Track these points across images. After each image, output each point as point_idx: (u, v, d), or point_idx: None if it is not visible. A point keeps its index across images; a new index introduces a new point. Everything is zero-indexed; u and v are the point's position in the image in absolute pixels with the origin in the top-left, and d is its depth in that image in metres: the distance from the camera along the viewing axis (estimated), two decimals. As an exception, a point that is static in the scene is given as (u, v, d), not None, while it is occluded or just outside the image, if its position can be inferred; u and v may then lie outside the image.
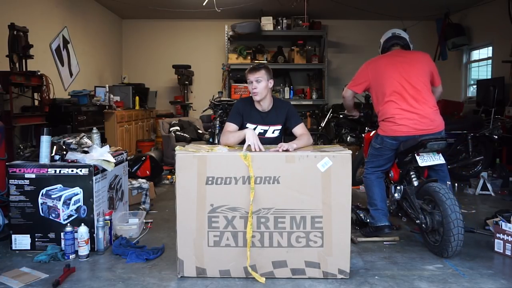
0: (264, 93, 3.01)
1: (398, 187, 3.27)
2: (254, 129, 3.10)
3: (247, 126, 3.11)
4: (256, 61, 8.27)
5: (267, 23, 8.09)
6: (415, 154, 3.03)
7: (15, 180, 2.91)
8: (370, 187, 3.27)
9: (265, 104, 3.08)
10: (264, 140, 3.05)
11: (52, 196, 2.90)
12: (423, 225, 2.95)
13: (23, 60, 4.63)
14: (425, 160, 3.02)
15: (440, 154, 3.06)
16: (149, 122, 7.94)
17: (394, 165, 3.34)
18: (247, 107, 3.11)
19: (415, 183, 3.18)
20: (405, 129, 3.02)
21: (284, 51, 8.52)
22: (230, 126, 3.04)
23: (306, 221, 2.45)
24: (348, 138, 7.21)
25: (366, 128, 4.05)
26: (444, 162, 3.08)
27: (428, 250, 3.00)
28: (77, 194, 2.91)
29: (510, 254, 2.87)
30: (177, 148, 2.55)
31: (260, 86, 2.97)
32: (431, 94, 3.12)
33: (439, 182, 2.99)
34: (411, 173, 3.21)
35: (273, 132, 3.11)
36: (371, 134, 3.74)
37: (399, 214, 3.42)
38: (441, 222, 2.81)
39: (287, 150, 2.55)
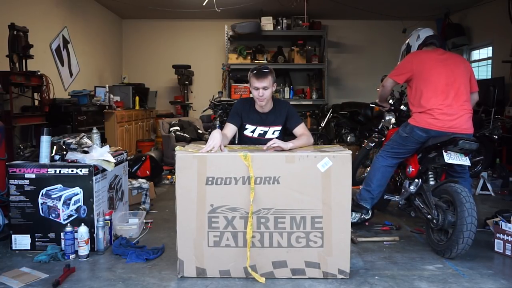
0: (269, 98, 3.02)
1: (416, 180, 3.26)
2: (254, 130, 3.10)
3: (246, 127, 3.11)
4: (256, 61, 8.27)
5: (267, 23, 8.09)
6: (443, 151, 3.00)
7: (15, 180, 2.91)
8: (375, 170, 3.32)
9: (265, 106, 3.08)
10: (265, 141, 3.05)
11: (52, 196, 2.90)
12: (434, 221, 2.94)
13: (23, 60, 4.63)
14: (451, 158, 2.97)
15: (467, 157, 3.04)
16: (149, 122, 7.94)
17: (414, 160, 3.33)
18: (246, 107, 3.10)
19: (431, 183, 3.18)
20: (439, 124, 3.03)
21: (284, 51, 8.52)
22: (227, 127, 3.04)
23: (306, 221, 2.45)
24: (348, 138, 7.22)
25: (391, 125, 4.02)
26: (469, 164, 3.06)
27: (430, 248, 3.02)
28: (77, 194, 2.91)
29: (510, 254, 2.87)
30: (177, 148, 2.55)
31: (266, 93, 2.96)
32: (469, 98, 3.17)
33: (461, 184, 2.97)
34: (430, 172, 3.22)
35: (273, 133, 3.10)
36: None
37: (407, 211, 3.44)
38: (453, 223, 2.81)
39: (280, 148, 2.55)
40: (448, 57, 3.24)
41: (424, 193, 3.10)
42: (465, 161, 3.02)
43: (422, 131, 3.11)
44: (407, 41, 3.60)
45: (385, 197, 3.65)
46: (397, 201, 3.47)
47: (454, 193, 2.84)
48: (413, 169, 3.34)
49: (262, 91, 2.94)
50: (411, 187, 3.27)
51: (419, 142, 3.17)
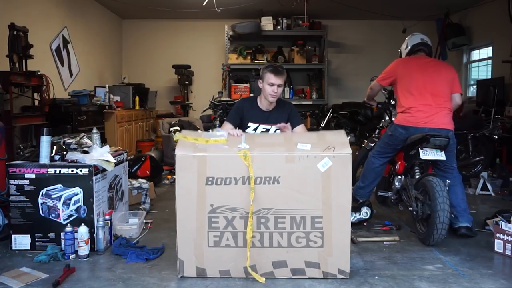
0: (279, 96, 3.12)
1: (399, 177, 3.55)
2: (256, 128, 3.13)
3: (249, 125, 3.14)
4: (256, 61, 8.27)
5: (267, 23, 8.08)
6: (419, 148, 3.21)
7: (15, 180, 2.91)
8: (369, 171, 3.58)
9: (270, 104, 3.13)
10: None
11: (52, 196, 2.90)
12: (415, 212, 3.21)
13: (23, 60, 4.63)
14: (427, 154, 3.20)
15: (443, 152, 3.21)
16: (149, 122, 7.93)
17: (401, 158, 3.57)
18: (248, 106, 3.16)
19: (417, 177, 3.38)
20: (416, 121, 3.25)
21: (284, 51, 8.51)
22: (226, 126, 3.08)
23: (306, 221, 2.45)
24: (348, 138, 7.20)
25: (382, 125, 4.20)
26: (444, 158, 3.22)
27: (430, 248, 3.07)
28: (77, 194, 2.91)
29: (510, 254, 2.87)
30: (175, 132, 2.55)
31: (279, 90, 3.06)
32: (449, 100, 3.36)
33: (439, 178, 3.15)
34: (415, 167, 3.45)
35: (275, 131, 3.13)
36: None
37: (398, 205, 3.67)
38: (430, 211, 3.03)
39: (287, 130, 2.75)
40: (430, 61, 3.49)
41: (407, 187, 3.33)
42: (440, 156, 3.20)
43: (402, 128, 3.32)
44: (400, 48, 3.79)
45: (379, 193, 3.97)
46: (390, 196, 3.72)
47: (430, 187, 3.06)
48: (400, 166, 3.58)
49: (277, 88, 3.03)
50: (397, 183, 3.56)
51: (400, 139, 3.38)
